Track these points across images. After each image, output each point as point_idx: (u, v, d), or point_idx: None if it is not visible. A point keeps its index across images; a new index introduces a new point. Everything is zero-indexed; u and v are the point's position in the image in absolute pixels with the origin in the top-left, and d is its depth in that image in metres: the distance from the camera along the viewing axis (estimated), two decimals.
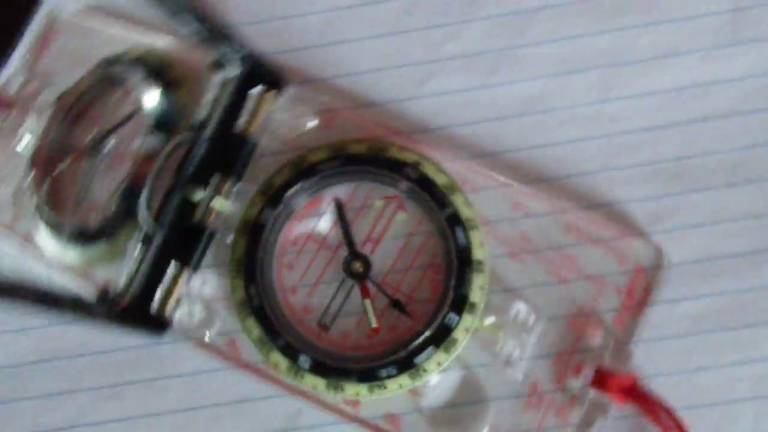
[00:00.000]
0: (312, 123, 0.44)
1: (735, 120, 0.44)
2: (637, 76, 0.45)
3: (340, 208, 0.43)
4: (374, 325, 0.42)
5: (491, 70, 0.45)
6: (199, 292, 0.43)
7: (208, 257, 0.43)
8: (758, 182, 0.44)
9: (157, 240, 0.41)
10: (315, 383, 0.41)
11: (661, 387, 0.41)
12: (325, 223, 0.43)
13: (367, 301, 0.42)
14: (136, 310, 0.41)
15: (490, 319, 0.41)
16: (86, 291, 0.41)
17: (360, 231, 0.43)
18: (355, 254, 0.43)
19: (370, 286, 0.42)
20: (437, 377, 0.41)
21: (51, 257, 0.43)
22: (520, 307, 0.41)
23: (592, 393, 0.41)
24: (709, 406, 0.42)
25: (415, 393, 0.41)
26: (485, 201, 0.42)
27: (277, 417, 0.43)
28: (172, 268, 0.42)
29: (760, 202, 0.43)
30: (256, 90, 0.43)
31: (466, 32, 0.45)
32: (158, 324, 0.42)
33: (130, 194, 0.41)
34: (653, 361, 0.42)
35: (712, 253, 0.43)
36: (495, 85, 0.45)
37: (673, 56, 0.45)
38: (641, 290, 0.42)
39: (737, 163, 0.44)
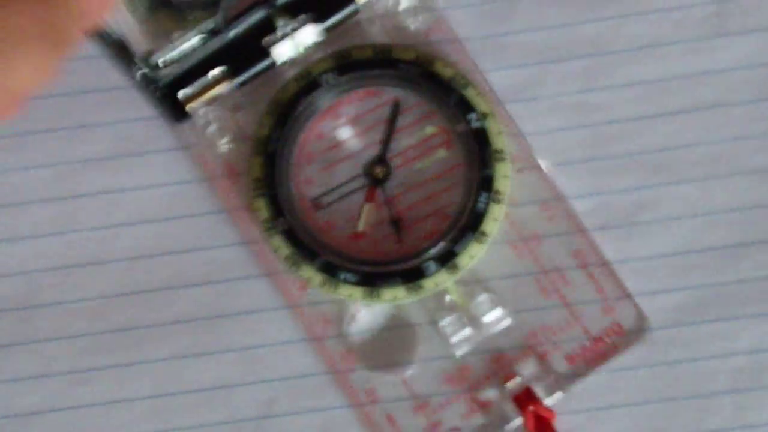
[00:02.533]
0: (413, 24, 0.44)
1: (719, 112, 0.43)
2: (621, 66, 0.44)
3: (396, 108, 0.43)
4: (360, 229, 0.42)
5: (474, 59, 0.43)
6: (228, 110, 0.43)
7: (252, 88, 0.42)
8: (741, 175, 0.43)
9: (221, 39, 0.41)
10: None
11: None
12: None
13: (367, 205, 0.42)
14: (167, 86, 0.41)
15: (461, 290, 0.41)
16: (135, 46, 0.41)
17: (396, 144, 0.43)
18: (382, 159, 0.43)
19: (378, 196, 0.42)
20: (366, 313, 0.42)
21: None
22: (493, 298, 0.41)
23: (508, 406, 0.41)
24: (687, 399, 0.42)
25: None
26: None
27: (251, 405, 0.42)
28: (217, 72, 0.42)
29: (742, 195, 0.43)
30: None
31: (449, 20, 0.44)
32: (179, 110, 0.42)
33: None
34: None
35: (692, 246, 0.43)
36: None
37: (657, 47, 0.44)
38: (609, 346, 0.41)
39: (720, 155, 0.43)
